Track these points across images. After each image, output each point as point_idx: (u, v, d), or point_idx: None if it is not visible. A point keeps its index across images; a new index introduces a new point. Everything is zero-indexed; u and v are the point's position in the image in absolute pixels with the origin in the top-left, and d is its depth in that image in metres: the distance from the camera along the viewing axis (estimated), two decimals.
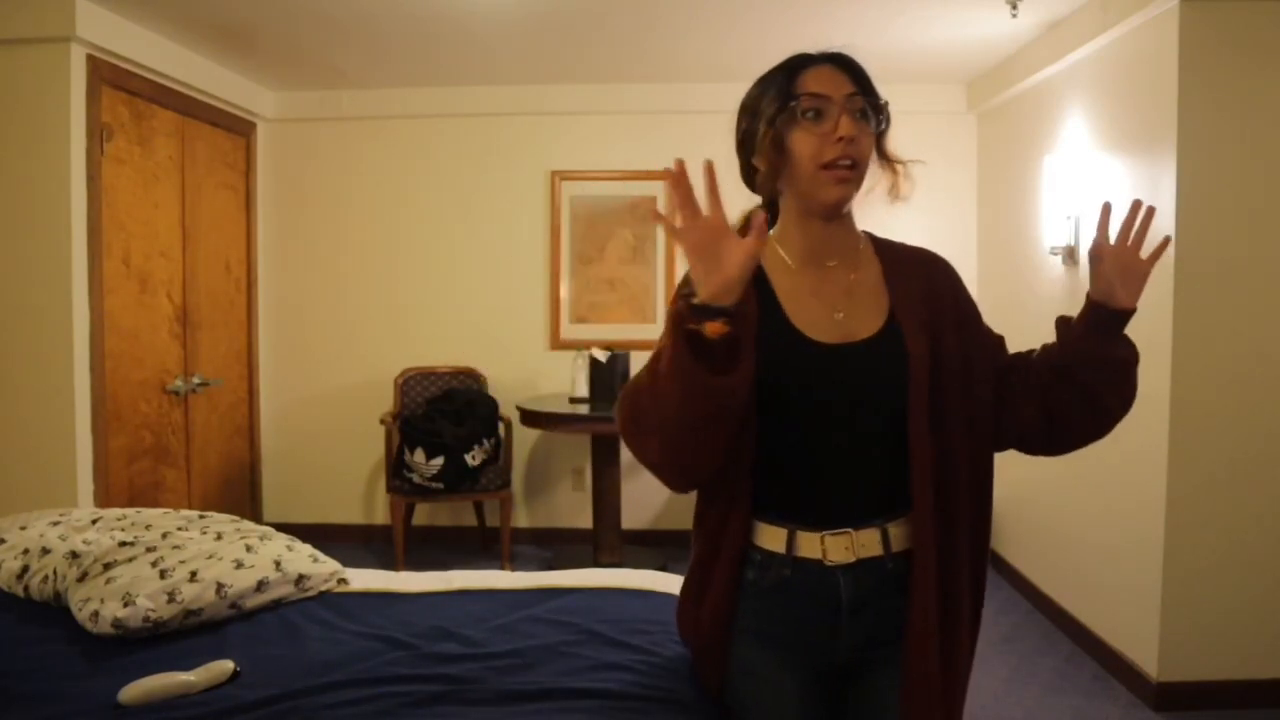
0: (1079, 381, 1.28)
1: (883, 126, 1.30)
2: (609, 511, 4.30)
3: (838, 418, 1.27)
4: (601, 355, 4.34)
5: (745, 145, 1.36)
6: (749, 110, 1.35)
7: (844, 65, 1.29)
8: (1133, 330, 1.31)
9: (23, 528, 2.26)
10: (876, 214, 1.39)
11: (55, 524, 2.28)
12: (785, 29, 3.71)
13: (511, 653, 1.75)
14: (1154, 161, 2.95)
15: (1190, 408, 2.86)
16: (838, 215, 1.32)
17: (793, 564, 1.29)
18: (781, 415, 1.27)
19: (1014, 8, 3.25)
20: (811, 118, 1.25)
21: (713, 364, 1.09)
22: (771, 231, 1.37)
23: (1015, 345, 1.36)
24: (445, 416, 4.38)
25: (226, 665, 1.66)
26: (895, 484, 1.29)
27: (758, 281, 1.29)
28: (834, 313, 1.31)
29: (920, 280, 1.35)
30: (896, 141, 1.35)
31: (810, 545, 1.28)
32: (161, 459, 3.91)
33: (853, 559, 1.28)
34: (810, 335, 1.29)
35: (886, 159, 1.32)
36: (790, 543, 1.29)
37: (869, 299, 1.33)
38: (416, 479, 4.23)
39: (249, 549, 2.11)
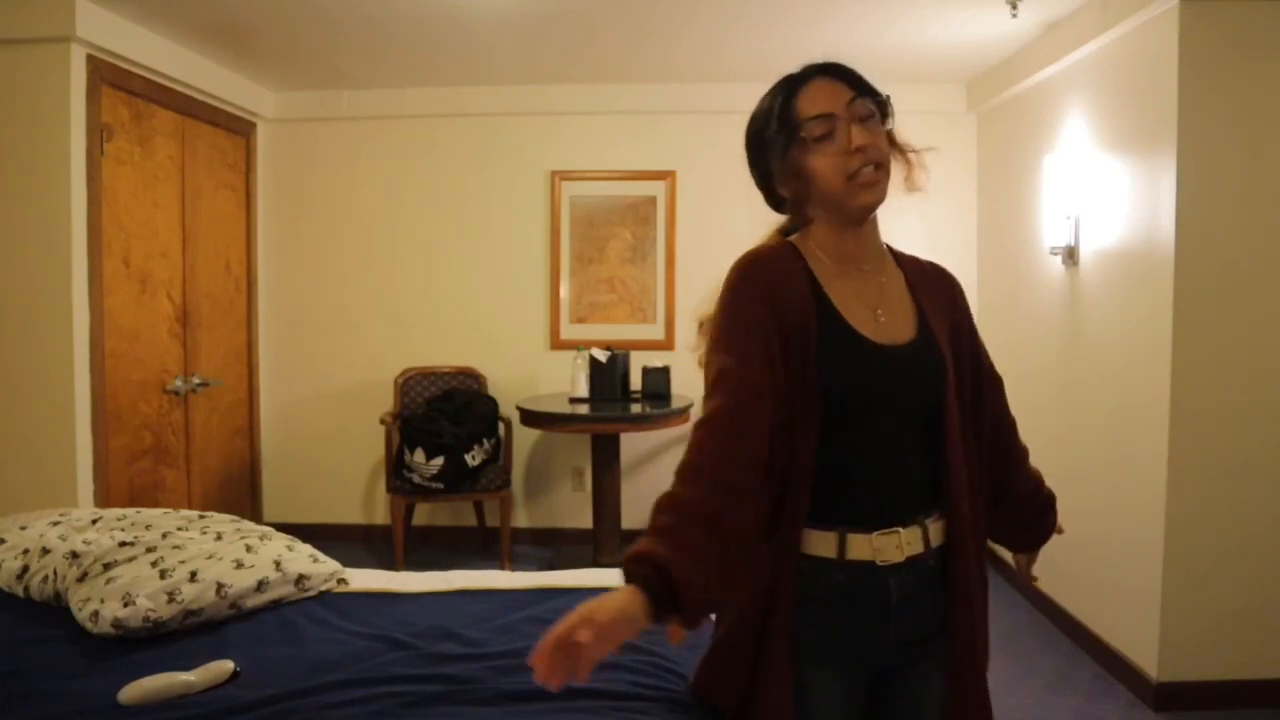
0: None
1: (889, 122, 1.32)
2: (609, 511, 4.30)
3: (889, 417, 1.31)
4: (601, 355, 4.34)
5: (766, 180, 1.40)
6: (757, 145, 1.38)
7: (836, 73, 1.31)
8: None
9: (23, 528, 2.27)
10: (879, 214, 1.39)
11: (55, 524, 2.28)
12: (785, 29, 3.71)
13: (511, 653, 1.75)
14: (1154, 161, 2.95)
15: (1190, 408, 2.86)
16: (870, 217, 1.36)
17: (845, 568, 1.28)
18: (842, 416, 1.27)
19: (1014, 8, 3.25)
20: (821, 140, 1.27)
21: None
22: (796, 235, 1.40)
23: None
24: (445, 416, 4.38)
25: (226, 665, 1.66)
26: (931, 483, 1.34)
27: (813, 286, 1.31)
28: (876, 313, 1.33)
29: (941, 294, 1.41)
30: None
31: (860, 547, 1.27)
32: (161, 459, 3.91)
33: (902, 558, 1.28)
34: (865, 334, 1.31)
35: (900, 150, 1.34)
36: (841, 546, 1.28)
37: (900, 303, 1.36)
38: (416, 479, 4.23)
39: (249, 549, 2.11)
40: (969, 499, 1.34)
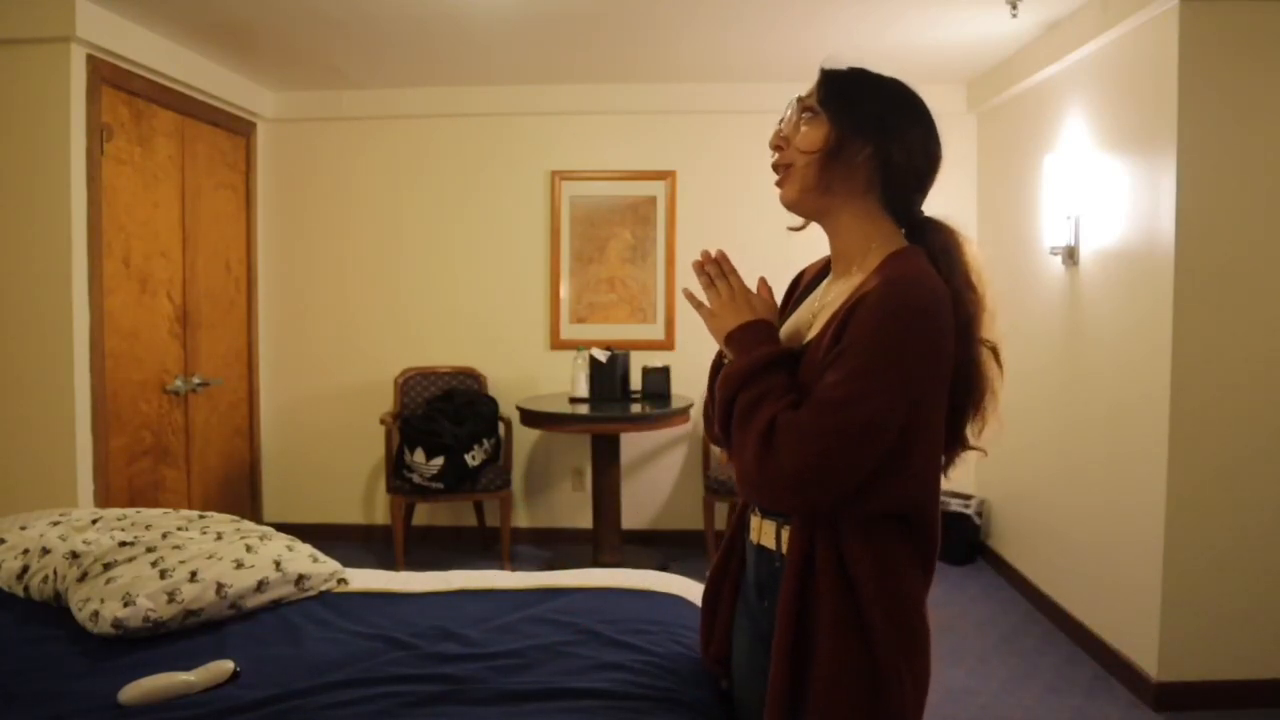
0: None
1: (809, 119, 1.29)
2: (609, 511, 4.30)
3: None
4: (601, 355, 4.34)
5: None
6: None
7: (820, 74, 1.33)
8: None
9: (23, 528, 2.27)
10: None
11: (55, 524, 2.28)
12: (785, 29, 3.71)
13: (511, 653, 1.75)
14: (1154, 161, 2.95)
15: (1190, 407, 2.86)
16: (804, 217, 1.36)
17: (745, 533, 1.42)
18: None
19: (1014, 8, 3.25)
20: None
21: None
22: None
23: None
24: (445, 416, 4.39)
25: (226, 665, 1.66)
26: None
27: (798, 286, 1.50)
28: (810, 319, 1.35)
29: (854, 309, 1.20)
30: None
31: (753, 521, 1.39)
32: (161, 459, 3.91)
33: (755, 540, 1.37)
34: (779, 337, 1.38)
35: (826, 156, 1.27)
36: (747, 515, 1.43)
37: (828, 311, 1.29)
38: (416, 479, 4.23)
39: (249, 549, 2.11)
40: (811, 526, 1.23)
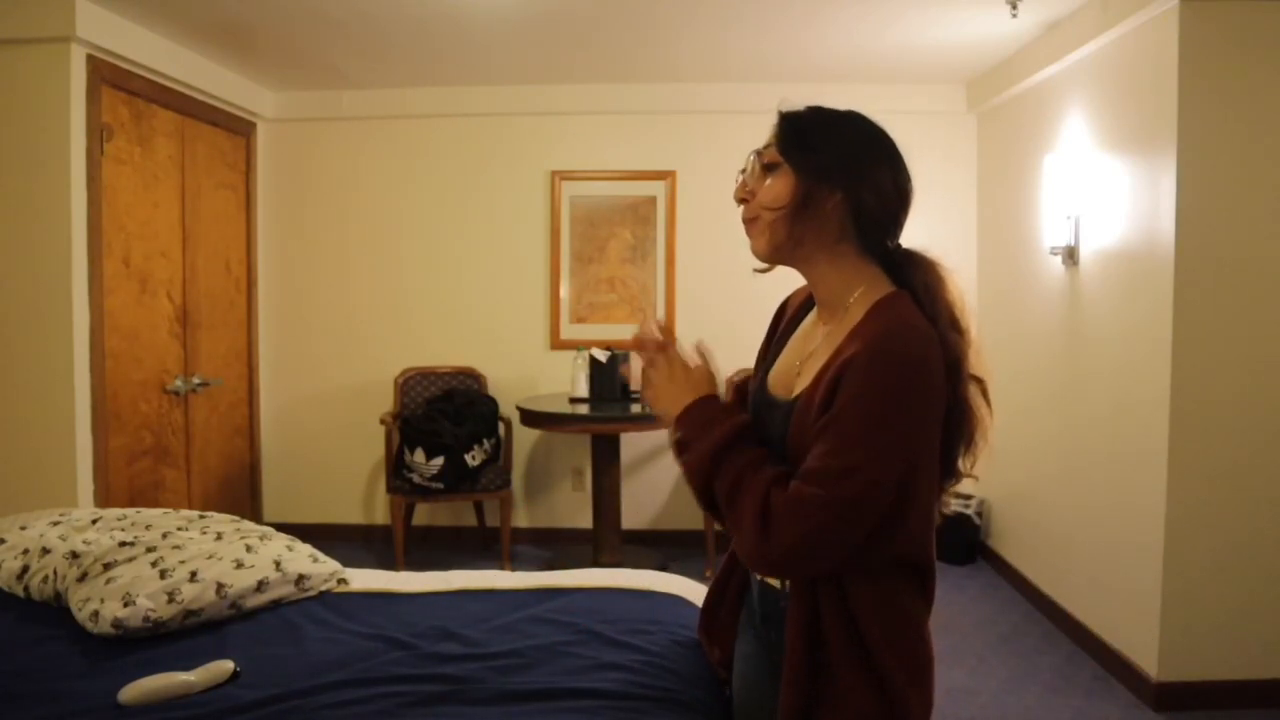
0: None
1: (773, 171, 1.28)
2: (609, 511, 4.30)
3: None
4: (601, 355, 4.34)
5: None
6: None
7: (778, 119, 1.30)
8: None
9: (23, 528, 2.27)
10: None
11: (55, 524, 2.28)
12: (785, 29, 3.71)
13: (511, 653, 1.75)
14: (1154, 161, 2.95)
15: (1190, 408, 2.86)
16: (770, 265, 1.34)
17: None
18: None
19: (1014, 8, 3.25)
20: None
21: None
22: None
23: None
24: (445, 416, 4.38)
25: (226, 665, 1.66)
26: None
27: (779, 324, 1.46)
28: (798, 364, 1.32)
29: (842, 362, 1.18)
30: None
31: None
32: (161, 459, 3.91)
33: (759, 577, 1.37)
34: (766, 381, 1.37)
35: (795, 209, 1.25)
36: None
37: (816, 360, 1.27)
38: (416, 479, 4.23)
39: (249, 549, 2.11)
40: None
